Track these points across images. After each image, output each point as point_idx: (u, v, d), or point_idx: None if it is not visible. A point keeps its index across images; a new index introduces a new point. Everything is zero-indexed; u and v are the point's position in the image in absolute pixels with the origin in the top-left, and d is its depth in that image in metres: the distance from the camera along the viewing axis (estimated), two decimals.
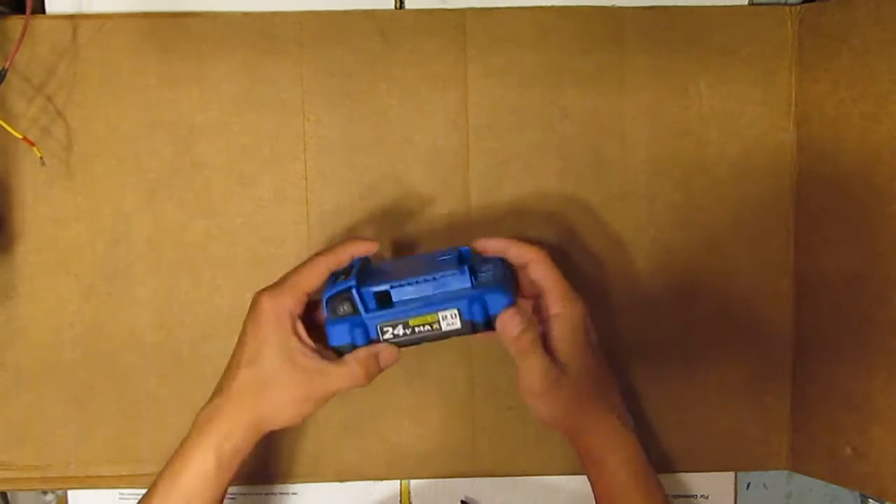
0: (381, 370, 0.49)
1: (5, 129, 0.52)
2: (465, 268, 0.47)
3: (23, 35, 0.52)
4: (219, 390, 0.49)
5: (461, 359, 0.58)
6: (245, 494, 0.59)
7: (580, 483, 0.52)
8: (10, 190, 0.56)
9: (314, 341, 0.49)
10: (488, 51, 0.56)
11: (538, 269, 0.50)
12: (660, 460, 0.59)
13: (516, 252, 0.50)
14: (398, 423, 0.58)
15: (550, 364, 0.48)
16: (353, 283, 0.47)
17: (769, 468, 0.60)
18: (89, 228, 0.57)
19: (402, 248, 0.57)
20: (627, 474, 0.49)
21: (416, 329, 0.48)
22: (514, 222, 0.57)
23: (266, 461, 0.58)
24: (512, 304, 0.48)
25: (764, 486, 0.61)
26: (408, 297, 0.48)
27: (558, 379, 0.48)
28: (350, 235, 0.53)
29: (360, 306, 0.48)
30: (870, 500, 0.60)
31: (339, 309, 0.48)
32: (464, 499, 0.59)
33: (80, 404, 0.57)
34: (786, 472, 0.61)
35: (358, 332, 0.48)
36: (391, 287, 0.48)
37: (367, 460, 0.58)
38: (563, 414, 0.49)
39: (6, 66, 0.51)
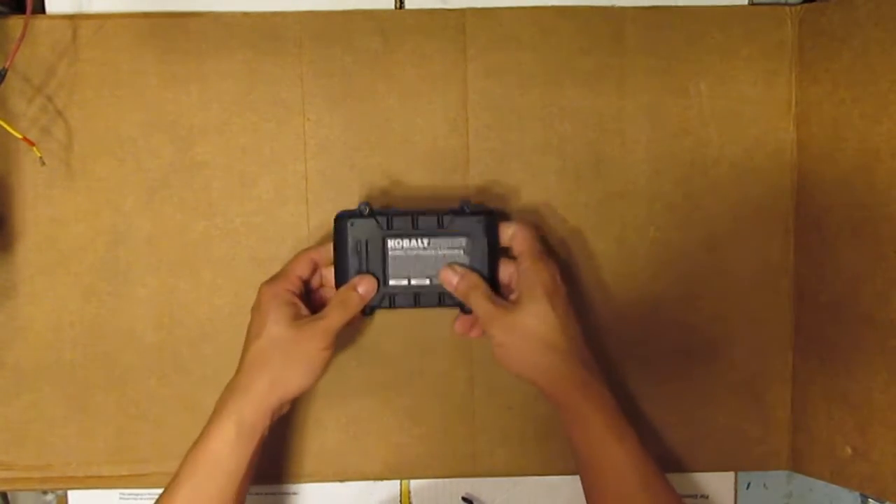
0: (363, 300, 0.52)
1: (5, 129, 0.52)
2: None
3: (23, 35, 0.52)
4: (235, 372, 0.51)
5: (461, 359, 0.58)
6: None
7: (580, 483, 0.52)
8: (10, 190, 0.56)
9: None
10: (488, 51, 0.56)
11: (517, 237, 0.53)
12: (660, 460, 0.59)
13: (505, 231, 0.53)
14: (398, 423, 0.58)
15: (496, 302, 0.51)
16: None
17: (769, 468, 0.60)
18: (89, 228, 0.57)
19: None
20: (604, 426, 0.50)
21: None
22: None
23: (267, 461, 0.58)
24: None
25: (764, 486, 0.61)
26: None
27: (512, 317, 0.50)
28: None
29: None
30: (870, 500, 0.60)
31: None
32: (465, 496, 0.59)
33: (80, 404, 0.57)
34: (786, 472, 0.61)
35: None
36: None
37: (367, 460, 0.58)
38: (526, 359, 0.51)
39: (6, 66, 0.51)
